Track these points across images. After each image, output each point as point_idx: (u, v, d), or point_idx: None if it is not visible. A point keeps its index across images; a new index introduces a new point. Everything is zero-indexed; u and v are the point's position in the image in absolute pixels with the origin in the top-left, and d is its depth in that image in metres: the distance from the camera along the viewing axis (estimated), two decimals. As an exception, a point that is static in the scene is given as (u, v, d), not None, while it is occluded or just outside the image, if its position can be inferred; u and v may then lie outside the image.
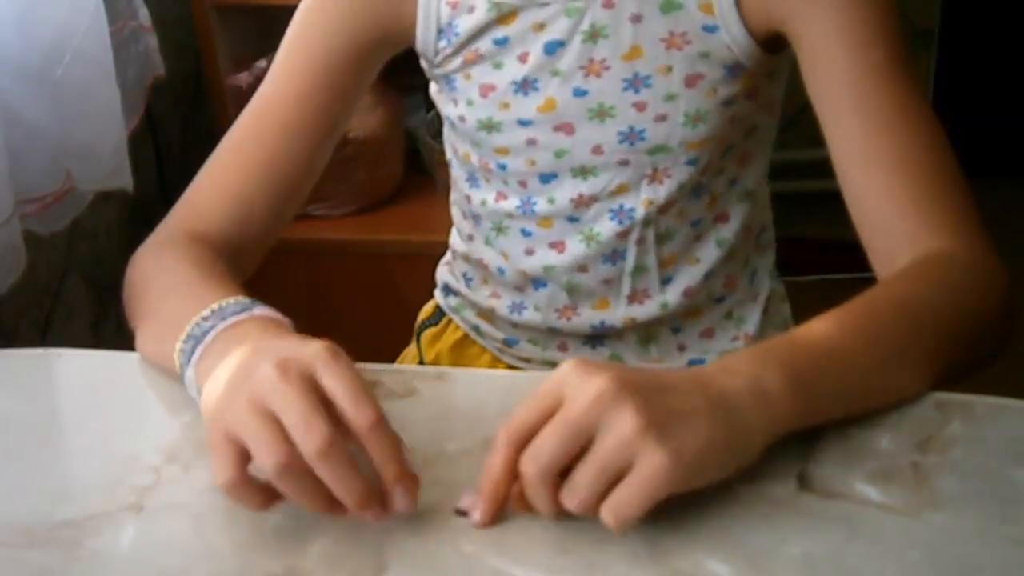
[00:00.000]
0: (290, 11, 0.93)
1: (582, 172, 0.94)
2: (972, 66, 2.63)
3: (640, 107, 0.91)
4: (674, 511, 0.65)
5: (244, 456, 0.62)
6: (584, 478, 0.61)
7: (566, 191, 0.96)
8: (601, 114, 0.91)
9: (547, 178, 0.96)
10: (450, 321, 1.11)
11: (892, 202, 0.81)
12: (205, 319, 0.72)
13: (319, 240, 1.84)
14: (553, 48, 0.90)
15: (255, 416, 0.62)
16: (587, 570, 0.62)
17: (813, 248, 2.27)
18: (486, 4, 0.90)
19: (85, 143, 1.26)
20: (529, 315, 1.03)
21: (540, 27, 0.90)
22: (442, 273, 1.13)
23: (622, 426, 0.60)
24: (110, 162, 1.32)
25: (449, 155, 1.04)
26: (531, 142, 0.94)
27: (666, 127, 0.91)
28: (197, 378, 0.70)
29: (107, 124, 1.30)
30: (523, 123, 0.93)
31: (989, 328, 0.77)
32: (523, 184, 0.97)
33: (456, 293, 1.10)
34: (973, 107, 2.55)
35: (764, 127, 0.97)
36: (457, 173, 1.03)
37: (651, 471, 0.60)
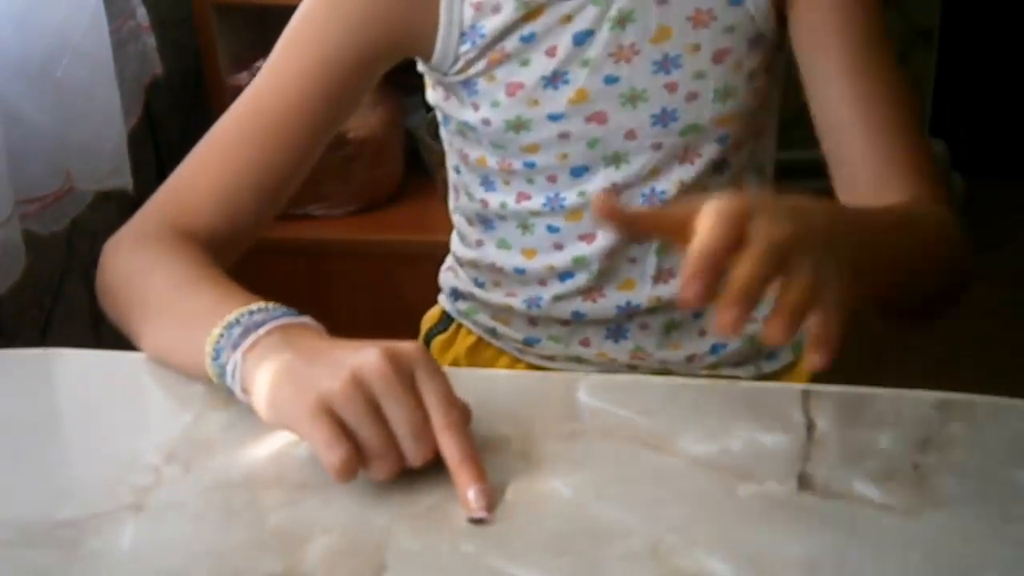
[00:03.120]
0: (290, 11, 0.92)
1: (615, 160, 0.95)
2: (972, 66, 2.63)
3: (671, 87, 0.92)
4: (674, 511, 0.65)
5: (337, 417, 0.64)
6: (798, 281, 0.63)
7: (598, 181, 0.96)
8: (633, 98, 0.92)
9: (579, 171, 0.96)
10: (460, 326, 1.10)
11: (866, 138, 0.88)
12: (253, 313, 0.72)
13: (319, 240, 1.84)
14: (582, 38, 0.91)
15: (357, 394, 0.64)
16: (587, 570, 0.62)
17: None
18: (513, 3, 0.90)
19: (85, 143, 1.26)
20: (549, 307, 1.02)
21: (568, 19, 0.90)
22: (447, 279, 1.11)
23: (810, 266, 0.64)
24: (110, 162, 1.32)
25: (454, 162, 1.03)
26: (563, 135, 0.94)
27: (697, 105, 0.93)
28: (244, 365, 0.70)
29: (107, 124, 1.30)
30: (554, 117, 0.93)
31: (962, 263, 0.86)
32: (552, 179, 0.97)
33: (466, 297, 1.08)
34: (973, 107, 2.55)
35: (774, 100, 1.00)
36: (466, 179, 1.02)
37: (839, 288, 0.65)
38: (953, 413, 0.72)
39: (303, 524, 0.65)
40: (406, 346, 0.67)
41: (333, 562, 0.63)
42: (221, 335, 0.72)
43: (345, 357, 0.66)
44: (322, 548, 0.64)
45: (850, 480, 0.67)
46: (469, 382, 0.81)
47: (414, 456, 0.65)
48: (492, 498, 0.65)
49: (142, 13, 1.49)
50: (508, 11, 0.90)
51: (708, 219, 0.63)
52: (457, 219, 1.07)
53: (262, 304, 0.74)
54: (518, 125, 0.94)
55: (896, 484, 0.66)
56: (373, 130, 1.82)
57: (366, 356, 0.65)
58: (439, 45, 0.92)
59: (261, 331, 0.71)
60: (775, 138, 1.04)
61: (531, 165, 0.96)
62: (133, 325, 0.82)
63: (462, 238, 1.07)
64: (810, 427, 0.71)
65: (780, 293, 0.62)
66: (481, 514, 0.64)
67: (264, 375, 0.69)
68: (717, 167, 0.97)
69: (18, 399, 0.80)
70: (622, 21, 0.90)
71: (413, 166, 1.95)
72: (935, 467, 0.68)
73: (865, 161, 0.88)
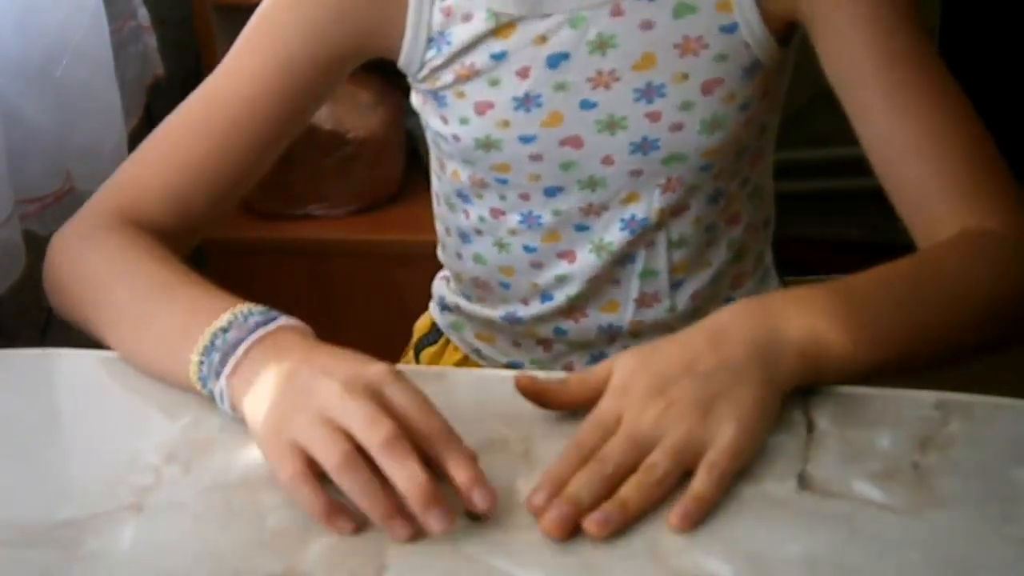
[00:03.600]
0: (291, 12, 0.92)
1: (590, 184, 0.91)
2: (972, 66, 2.63)
3: (654, 117, 0.87)
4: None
5: (307, 457, 0.63)
6: (661, 457, 0.65)
7: (573, 202, 0.92)
8: (611, 125, 0.87)
9: (552, 191, 0.92)
10: (448, 340, 1.09)
11: (931, 184, 0.80)
12: (224, 330, 0.72)
13: (319, 240, 1.84)
14: (557, 61, 0.86)
15: (321, 424, 0.63)
16: (587, 570, 0.62)
17: (813, 248, 2.27)
18: (484, 13, 0.85)
19: (85, 143, 1.26)
20: (531, 323, 0.99)
21: (542, 40, 0.85)
22: (439, 287, 1.09)
23: (682, 427, 0.66)
24: (110, 162, 1.31)
25: (434, 167, 0.99)
26: (535, 157, 0.89)
27: (681, 136, 0.87)
28: (231, 391, 0.71)
29: (107, 124, 1.30)
30: (526, 139, 0.89)
31: None
32: (525, 197, 0.93)
33: (453, 310, 1.06)
34: (973, 107, 2.55)
35: (772, 124, 0.96)
36: (445, 188, 0.99)
37: (725, 445, 0.65)
38: (953, 413, 0.72)
39: (303, 524, 0.65)
40: (369, 370, 0.66)
41: (333, 562, 0.63)
42: (201, 362, 0.72)
43: (312, 395, 0.65)
44: (322, 548, 0.64)
45: (850, 480, 0.67)
46: (469, 382, 0.81)
47: (394, 472, 0.62)
48: (495, 495, 0.64)
49: (143, 13, 1.49)
50: (478, 21, 0.85)
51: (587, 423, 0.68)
52: (438, 227, 1.04)
53: (232, 313, 0.73)
54: (487, 144, 0.90)
55: (896, 484, 0.66)
56: (373, 130, 1.82)
57: (326, 390, 0.64)
58: (405, 48, 0.88)
59: (240, 351, 0.70)
60: (771, 160, 1.00)
61: (503, 182, 0.92)
62: (96, 329, 0.82)
63: (443, 247, 1.05)
64: (810, 427, 0.71)
65: (642, 475, 0.64)
66: (485, 507, 0.63)
67: (248, 407, 0.69)
68: (710, 197, 0.93)
69: (18, 399, 0.80)
70: (602, 46, 0.85)
71: (413, 166, 1.95)
72: (935, 467, 0.68)
73: (931, 212, 0.81)
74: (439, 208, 1.02)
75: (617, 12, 0.84)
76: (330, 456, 0.62)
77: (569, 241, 0.94)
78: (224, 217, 0.91)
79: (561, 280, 0.96)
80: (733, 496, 0.66)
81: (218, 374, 0.71)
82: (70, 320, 0.84)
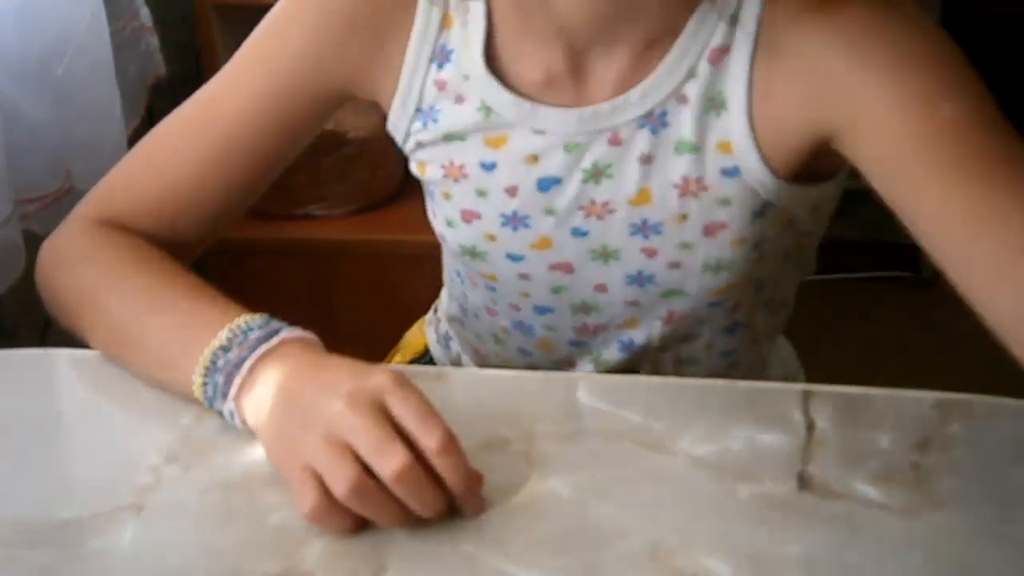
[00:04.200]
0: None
1: (584, 308, 0.85)
2: (971, 65, 2.63)
3: (650, 253, 0.80)
4: (674, 511, 0.65)
5: (323, 483, 0.63)
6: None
7: (566, 321, 0.87)
8: (605, 255, 0.81)
9: (543, 310, 0.87)
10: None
11: (1010, 271, 0.65)
12: (226, 349, 0.71)
13: (319, 240, 1.84)
14: (548, 185, 0.79)
15: (329, 448, 0.63)
16: (587, 570, 0.62)
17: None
18: (477, 102, 0.78)
19: (85, 142, 1.26)
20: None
21: (533, 159, 0.79)
22: (431, 340, 1.04)
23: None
24: (110, 162, 1.31)
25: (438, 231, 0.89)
26: (523, 276, 0.84)
27: (680, 274, 0.80)
28: (240, 411, 0.71)
29: (107, 123, 1.30)
30: (513, 257, 0.83)
31: None
32: (516, 308, 0.88)
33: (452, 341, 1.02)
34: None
35: (806, 245, 0.86)
36: (447, 262, 0.93)
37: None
38: (952, 413, 0.72)
39: (303, 524, 0.65)
40: (371, 381, 0.65)
41: (333, 562, 0.63)
42: (205, 383, 0.72)
43: (317, 415, 0.65)
44: (322, 548, 0.64)
45: (850, 480, 0.67)
46: (469, 382, 0.81)
47: (409, 500, 0.63)
48: (482, 506, 0.66)
49: (145, 13, 1.49)
50: (469, 110, 0.79)
51: None
52: (445, 285, 1.00)
53: (231, 330, 0.72)
54: (474, 253, 0.84)
55: (896, 484, 0.66)
56: (373, 130, 1.82)
57: (330, 408, 0.64)
58: (392, 113, 0.83)
59: (244, 371, 0.70)
60: (807, 262, 0.89)
61: (492, 289, 0.87)
62: (91, 343, 0.81)
63: (448, 303, 0.99)
64: (810, 427, 0.71)
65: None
66: (473, 516, 0.65)
67: (257, 427, 0.69)
68: (727, 328, 0.86)
69: (18, 399, 0.80)
70: (597, 175, 0.78)
71: (413, 166, 1.95)
72: (935, 467, 0.68)
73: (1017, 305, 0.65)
74: (445, 272, 0.98)
75: (616, 140, 0.77)
76: (339, 486, 0.62)
77: (565, 352, 0.90)
78: (212, 236, 0.87)
79: (558, 366, 0.92)
80: (733, 496, 0.66)
81: (224, 395, 0.71)
82: (66, 327, 0.84)
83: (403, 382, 0.65)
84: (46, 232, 1.15)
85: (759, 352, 0.94)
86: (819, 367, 1.05)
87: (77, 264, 0.83)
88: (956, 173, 0.67)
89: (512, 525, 0.65)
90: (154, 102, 1.60)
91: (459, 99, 0.79)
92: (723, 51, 0.74)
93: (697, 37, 0.75)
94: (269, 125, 0.83)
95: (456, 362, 1.03)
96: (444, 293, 1.03)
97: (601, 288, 0.83)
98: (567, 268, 0.83)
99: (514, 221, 0.81)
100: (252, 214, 1.83)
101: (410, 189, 1.94)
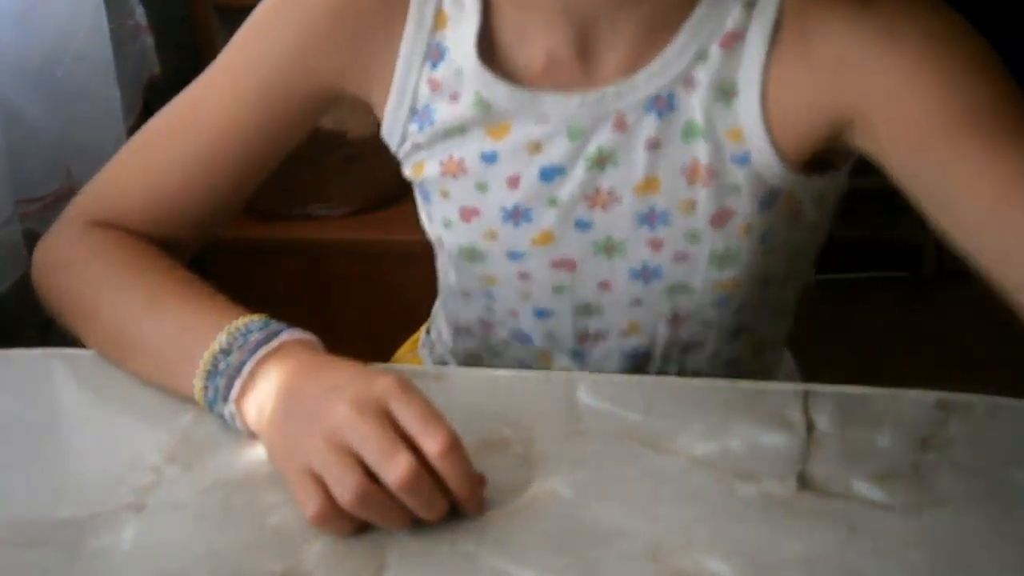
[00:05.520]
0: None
1: (585, 311, 0.83)
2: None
3: (656, 245, 0.78)
4: (674, 511, 0.65)
5: (327, 487, 0.63)
6: None
7: (566, 326, 0.84)
8: (608, 249, 0.79)
9: (542, 313, 0.84)
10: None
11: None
12: (226, 352, 0.71)
13: (319, 240, 1.84)
14: (551, 175, 0.78)
15: (333, 452, 0.63)
16: (587, 570, 0.62)
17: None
18: (472, 97, 0.77)
19: (85, 142, 1.26)
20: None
21: (536, 148, 0.77)
22: (425, 359, 1.02)
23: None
24: (110, 162, 1.32)
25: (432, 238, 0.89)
26: (523, 275, 0.82)
27: (687, 267, 0.79)
28: (241, 414, 0.71)
29: (107, 124, 1.30)
30: (514, 256, 0.81)
31: None
32: (514, 314, 0.86)
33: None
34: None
35: (811, 241, 0.84)
36: (440, 275, 0.91)
37: None
38: (953, 413, 0.72)
39: (303, 524, 0.65)
40: (375, 386, 0.65)
41: (333, 562, 0.63)
42: (205, 387, 0.72)
43: (320, 417, 0.64)
44: (322, 548, 0.64)
45: (850, 480, 0.67)
46: (469, 383, 0.81)
47: (414, 505, 0.63)
48: (483, 506, 0.66)
49: (140, 12, 1.49)
50: (465, 106, 0.77)
51: None
52: (439, 300, 0.98)
53: (229, 332, 0.72)
54: (472, 254, 0.82)
55: (896, 484, 0.66)
56: (373, 130, 1.81)
57: (335, 412, 0.64)
58: (387, 115, 0.81)
59: (244, 374, 0.70)
60: (810, 270, 0.88)
61: (489, 295, 0.85)
62: (89, 345, 0.81)
63: (445, 317, 0.96)
64: (810, 427, 0.71)
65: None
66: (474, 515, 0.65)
67: (260, 431, 0.69)
68: (732, 332, 0.84)
69: (18, 399, 0.80)
70: (601, 162, 0.76)
71: (413, 166, 1.95)
72: (935, 467, 0.68)
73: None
74: (439, 287, 0.96)
75: (621, 126, 0.76)
76: (344, 493, 0.62)
77: (563, 365, 0.88)
78: (205, 235, 0.87)
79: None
80: (733, 496, 0.66)
81: (226, 398, 0.71)
82: (64, 327, 0.84)
83: (407, 386, 0.65)
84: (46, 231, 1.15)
85: (764, 363, 0.93)
86: (819, 367, 1.05)
87: (72, 265, 0.83)
88: (987, 149, 0.66)
89: (512, 525, 0.65)
90: (154, 102, 1.60)
91: (454, 96, 0.78)
92: (736, 36, 0.73)
93: (709, 19, 0.74)
94: (254, 125, 0.82)
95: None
96: (436, 313, 1.01)
97: (604, 286, 0.81)
98: (569, 265, 0.81)
99: (515, 216, 0.80)
100: (252, 214, 1.84)
101: (410, 189, 1.94)
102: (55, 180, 1.23)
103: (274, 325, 0.73)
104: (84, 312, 0.81)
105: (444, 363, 0.99)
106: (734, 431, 0.72)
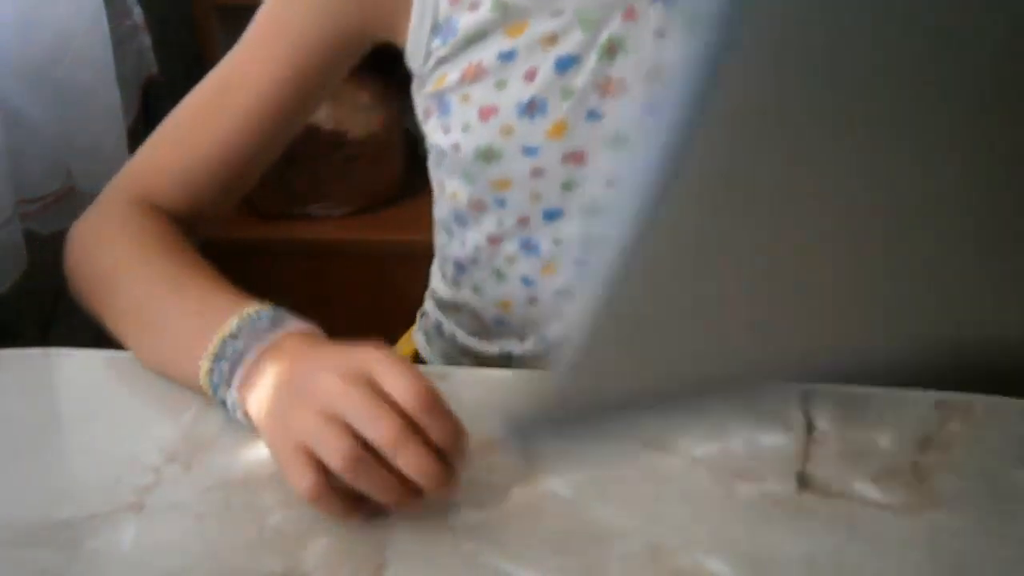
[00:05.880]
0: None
1: (593, 209, 0.85)
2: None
3: None
4: (674, 511, 0.65)
5: (320, 463, 0.63)
6: None
7: (572, 230, 0.87)
8: (617, 142, 0.82)
9: (551, 214, 0.87)
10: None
11: None
12: (234, 337, 0.72)
13: (319, 240, 1.84)
14: (566, 64, 0.81)
15: (323, 423, 0.63)
16: (587, 570, 0.62)
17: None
18: (490, 2, 0.81)
19: (85, 143, 1.26)
20: (527, 363, 0.95)
21: (551, 40, 0.81)
22: (420, 343, 1.04)
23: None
24: (110, 162, 1.32)
25: (435, 195, 0.95)
26: (536, 172, 0.85)
27: None
28: (242, 400, 0.71)
29: (107, 124, 1.30)
30: (528, 151, 0.84)
31: None
32: (524, 222, 0.88)
33: (447, 339, 1.02)
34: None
35: None
36: (443, 215, 0.95)
37: None
38: (953, 413, 0.72)
39: (303, 524, 0.65)
40: (359, 355, 0.66)
41: (333, 562, 0.63)
42: (211, 369, 0.72)
43: (310, 391, 0.65)
44: (322, 548, 0.64)
45: (850, 480, 0.67)
46: (469, 382, 0.81)
47: (406, 467, 0.62)
48: (457, 482, 0.65)
49: (138, 12, 1.50)
50: (484, 11, 0.81)
51: None
52: (437, 256, 1.01)
53: (240, 318, 0.72)
54: (488, 154, 0.85)
55: (896, 484, 0.66)
56: (373, 130, 1.82)
57: (321, 384, 0.64)
58: (411, 36, 0.84)
59: (248, 360, 0.71)
60: None
61: (501, 203, 0.88)
62: (110, 326, 0.82)
63: (443, 276, 1.01)
64: (810, 427, 0.71)
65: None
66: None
67: (255, 414, 0.69)
68: None
69: (18, 399, 0.80)
70: (612, 51, 0.80)
71: (413, 166, 1.95)
72: (935, 467, 0.68)
73: None
74: (439, 237, 0.99)
75: (631, 14, 0.79)
76: (334, 458, 0.62)
77: (568, 276, 0.90)
78: (232, 206, 0.92)
79: (557, 313, 0.93)
80: (733, 496, 0.66)
81: (229, 383, 0.71)
82: (85, 309, 0.85)
83: (388, 353, 0.65)
84: (47, 232, 1.15)
85: None
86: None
87: (103, 244, 0.84)
88: None
89: (512, 525, 0.65)
90: (154, 102, 1.60)
91: (473, 6, 0.82)
92: None
93: None
94: (292, 85, 0.85)
95: (448, 354, 1.03)
96: (433, 283, 1.04)
97: (612, 184, 0.84)
98: (578, 158, 0.83)
99: (531, 109, 0.82)
100: (252, 214, 1.84)
101: (410, 189, 1.95)
102: (55, 180, 1.23)
103: (283, 315, 0.73)
104: (107, 287, 0.82)
105: (440, 332, 1.01)
106: (734, 431, 0.72)
